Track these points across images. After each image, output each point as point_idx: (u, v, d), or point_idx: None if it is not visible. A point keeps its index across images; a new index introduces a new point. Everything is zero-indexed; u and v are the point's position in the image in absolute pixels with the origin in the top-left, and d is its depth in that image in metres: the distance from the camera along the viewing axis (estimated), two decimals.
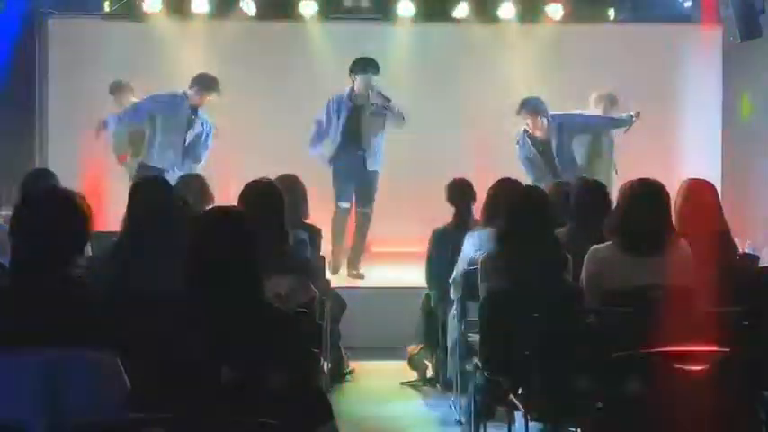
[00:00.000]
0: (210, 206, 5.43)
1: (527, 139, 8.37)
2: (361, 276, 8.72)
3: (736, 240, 5.44)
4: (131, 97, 8.82)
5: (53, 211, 2.94)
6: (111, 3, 9.65)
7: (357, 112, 8.64)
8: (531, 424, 4.07)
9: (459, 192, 6.56)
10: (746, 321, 3.98)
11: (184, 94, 8.31)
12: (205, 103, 8.34)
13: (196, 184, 5.89)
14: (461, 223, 6.39)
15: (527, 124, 8.32)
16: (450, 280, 5.72)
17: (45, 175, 6.20)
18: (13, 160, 8.79)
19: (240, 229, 3.11)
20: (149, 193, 4.62)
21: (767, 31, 8.70)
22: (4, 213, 5.70)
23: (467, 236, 5.69)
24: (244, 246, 3.08)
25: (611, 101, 8.86)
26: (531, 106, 8.30)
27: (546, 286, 4.54)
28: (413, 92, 9.35)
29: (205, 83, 8.29)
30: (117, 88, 8.92)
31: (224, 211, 3.31)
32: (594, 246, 4.52)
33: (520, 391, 4.18)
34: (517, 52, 9.89)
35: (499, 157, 9.42)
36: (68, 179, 7.89)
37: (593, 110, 8.86)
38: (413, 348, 6.85)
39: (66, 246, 2.97)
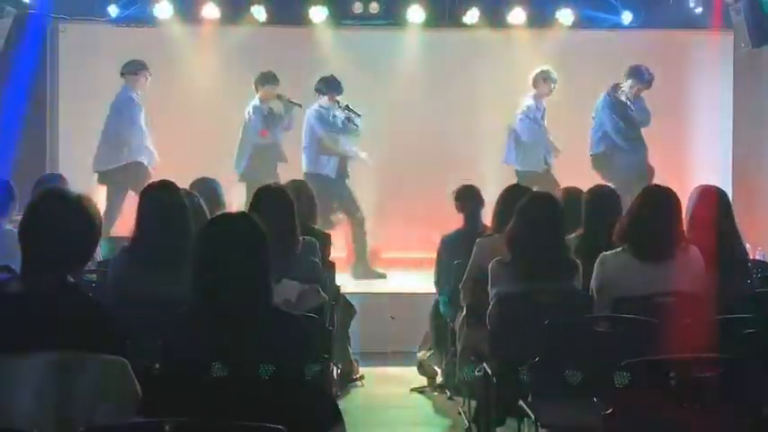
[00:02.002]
0: (222, 211, 5.46)
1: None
2: (383, 275, 8.86)
3: (747, 247, 5.42)
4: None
5: (62, 214, 2.94)
6: (121, 8, 9.66)
7: (329, 127, 8.86)
8: (540, 430, 4.05)
9: (468, 198, 6.56)
10: (756, 328, 3.96)
11: None
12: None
13: (208, 189, 5.89)
14: (470, 229, 6.38)
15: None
16: (460, 286, 5.71)
17: (56, 180, 6.22)
18: (24, 164, 8.82)
19: (250, 234, 3.11)
20: (159, 197, 4.62)
21: None
22: (14, 217, 5.70)
23: (476, 242, 5.68)
24: (254, 251, 3.08)
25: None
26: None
27: (556, 292, 4.53)
28: (422, 97, 9.36)
29: None
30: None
31: (234, 216, 3.32)
32: (604, 252, 4.51)
33: (529, 398, 4.16)
34: (528, 58, 9.88)
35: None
36: (79, 184, 7.96)
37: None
38: (422, 354, 6.84)
39: (76, 249, 2.97)
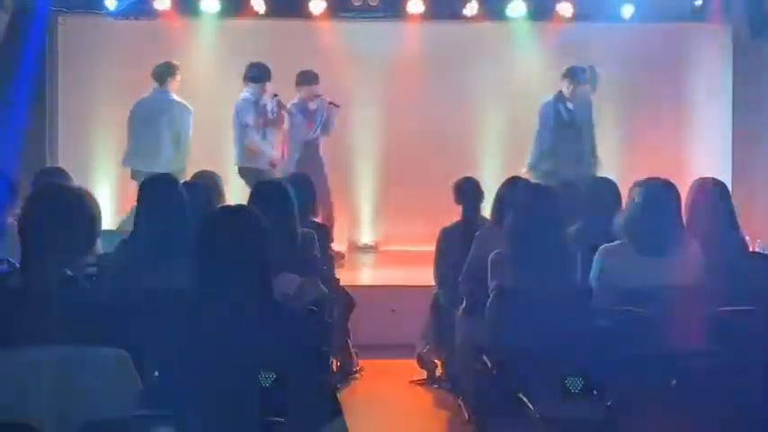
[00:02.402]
0: (222, 204, 5.47)
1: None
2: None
3: (747, 239, 5.42)
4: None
5: (61, 207, 2.93)
6: (120, 0, 9.63)
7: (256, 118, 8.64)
8: (539, 423, 4.06)
9: (467, 191, 6.55)
10: (758, 321, 3.97)
11: None
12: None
13: (210, 181, 5.90)
14: (470, 222, 6.38)
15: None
16: (459, 278, 5.72)
17: (57, 173, 6.21)
18: (23, 159, 8.81)
19: (251, 228, 3.11)
20: (158, 190, 4.63)
21: None
22: (16, 212, 5.70)
23: (476, 234, 5.68)
24: (253, 244, 3.08)
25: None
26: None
27: (555, 285, 4.53)
28: (422, 90, 9.35)
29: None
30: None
31: (235, 209, 3.32)
32: (604, 245, 4.51)
33: (529, 390, 4.17)
34: (527, 50, 9.87)
35: (509, 155, 9.44)
36: (79, 177, 7.96)
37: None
38: (422, 347, 6.85)
39: (75, 243, 2.96)
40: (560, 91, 8.72)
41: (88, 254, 3.14)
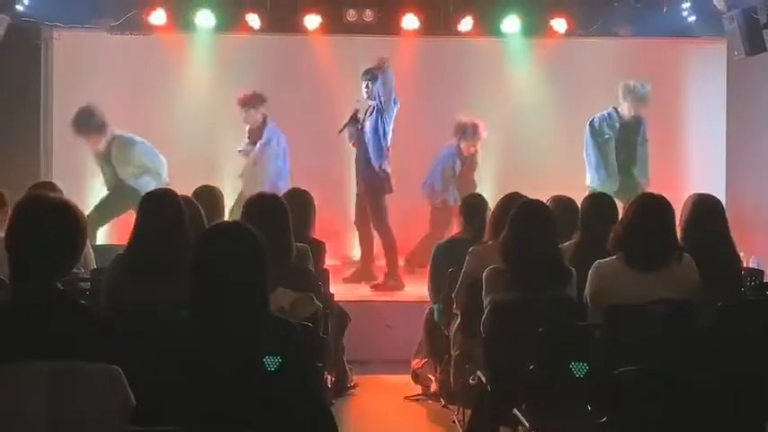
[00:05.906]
0: (220, 220, 5.45)
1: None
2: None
3: (741, 255, 5.42)
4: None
5: (43, 219, 2.89)
6: (116, 16, 9.63)
7: None
8: None
9: (476, 206, 6.47)
10: (750, 336, 3.97)
11: None
12: None
13: (211, 197, 5.89)
14: (467, 237, 6.36)
15: None
16: (453, 294, 5.70)
17: (48, 188, 6.19)
18: (17, 173, 8.79)
19: (248, 244, 3.10)
20: (158, 205, 4.61)
21: None
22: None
23: (469, 250, 5.67)
24: (251, 260, 3.07)
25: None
26: None
27: (550, 300, 4.53)
28: (416, 105, 9.37)
29: None
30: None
31: (231, 225, 3.31)
32: (599, 260, 4.51)
33: (524, 406, 4.16)
34: (522, 66, 9.90)
35: (503, 169, 9.47)
36: (73, 192, 7.95)
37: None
38: (417, 362, 6.83)
39: (61, 256, 2.92)
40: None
41: (74, 266, 3.10)
